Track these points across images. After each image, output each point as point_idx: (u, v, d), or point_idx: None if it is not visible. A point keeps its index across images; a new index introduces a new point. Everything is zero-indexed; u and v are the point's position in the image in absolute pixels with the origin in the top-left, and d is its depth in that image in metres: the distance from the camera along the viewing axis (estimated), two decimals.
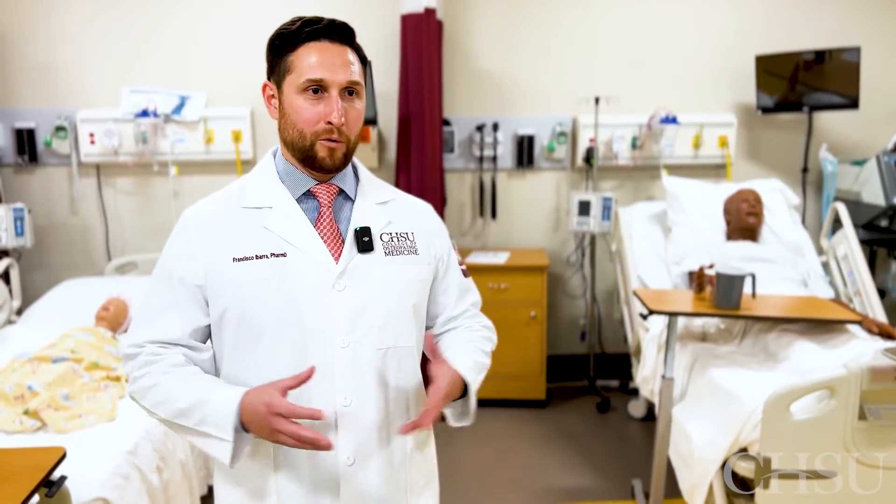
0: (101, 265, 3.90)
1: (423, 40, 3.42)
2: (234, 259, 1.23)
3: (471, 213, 4.08)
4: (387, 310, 1.26)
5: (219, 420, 1.15)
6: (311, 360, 1.21)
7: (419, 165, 3.51)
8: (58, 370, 2.50)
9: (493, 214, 4.01)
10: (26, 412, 2.29)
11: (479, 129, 3.89)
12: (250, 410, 1.13)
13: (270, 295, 1.22)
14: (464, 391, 1.28)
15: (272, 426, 1.11)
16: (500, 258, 3.75)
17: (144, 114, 3.61)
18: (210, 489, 2.75)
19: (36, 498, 1.62)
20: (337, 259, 1.25)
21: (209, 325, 1.28)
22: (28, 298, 3.68)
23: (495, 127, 3.90)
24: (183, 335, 1.25)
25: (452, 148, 3.93)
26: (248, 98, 3.79)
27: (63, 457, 1.70)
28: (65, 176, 3.85)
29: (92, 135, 3.70)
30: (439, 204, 3.66)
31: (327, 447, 1.11)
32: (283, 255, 1.23)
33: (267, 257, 1.23)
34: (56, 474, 1.70)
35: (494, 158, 3.94)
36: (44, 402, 2.32)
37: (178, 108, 3.73)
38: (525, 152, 3.94)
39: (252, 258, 1.23)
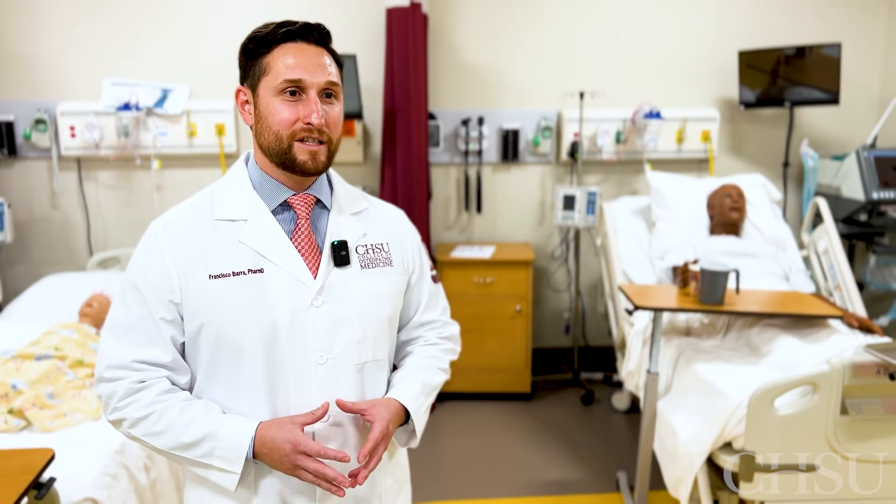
0: (83, 260, 3.85)
1: (408, 34, 3.41)
2: (210, 276, 1.18)
3: (456, 207, 4.08)
4: (364, 325, 1.25)
5: (229, 454, 1.14)
6: (288, 378, 1.21)
7: (405, 159, 3.51)
8: (42, 368, 2.47)
9: (479, 208, 4.02)
10: (10, 411, 2.26)
11: (465, 123, 3.88)
12: (268, 445, 1.14)
13: (249, 312, 1.19)
14: (406, 418, 1.28)
15: (296, 463, 1.13)
16: (486, 252, 3.76)
17: (126, 107, 3.57)
18: None
19: (25, 500, 1.60)
20: (315, 274, 1.22)
21: (183, 343, 1.24)
22: (9, 294, 3.64)
23: (480, 121, 3.90)
24: (168, 356, 1.21)
25: (438, 142, 3.92)
26: (232, 91, 3.73)
27: (52, 458, 1.69)
28: (45, 169, 3.79)
29: (73, 128, 3.65)
30: (425, 198, 3.66)
31: (341, 493, 1.14)
32: (261, 270, 1.20)
33: (244, 273, 1.19)
34: (45, 475, 1.69)
35: (480, 152, 3.94)
36: (28, 400, 2.29)
37: (161, 102, 3.68)
38: (510, 146, 3.94)
39: (229, 275, 1.19)
